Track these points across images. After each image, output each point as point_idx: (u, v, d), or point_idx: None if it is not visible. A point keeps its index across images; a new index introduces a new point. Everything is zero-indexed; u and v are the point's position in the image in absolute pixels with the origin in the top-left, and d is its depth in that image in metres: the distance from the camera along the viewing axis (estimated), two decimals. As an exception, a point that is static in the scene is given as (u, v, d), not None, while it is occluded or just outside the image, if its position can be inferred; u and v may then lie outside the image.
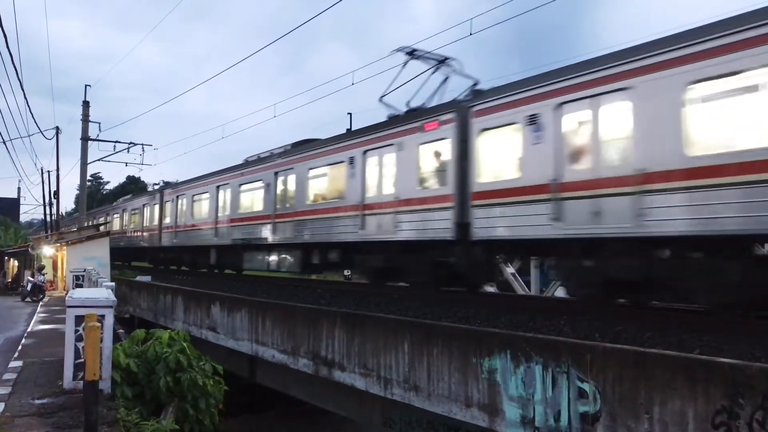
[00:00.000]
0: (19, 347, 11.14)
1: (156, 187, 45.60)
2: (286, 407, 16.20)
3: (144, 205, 31.30)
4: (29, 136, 51.66)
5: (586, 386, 5.23)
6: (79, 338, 7.46)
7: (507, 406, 5.96)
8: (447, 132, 12.06)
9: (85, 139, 30.97)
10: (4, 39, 13.84)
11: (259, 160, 20.27)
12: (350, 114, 45.55)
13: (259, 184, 19.39)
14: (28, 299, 22.14)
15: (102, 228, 30.08)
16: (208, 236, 22.67)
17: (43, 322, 15.26)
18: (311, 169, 16.61)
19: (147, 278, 21.84)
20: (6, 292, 27.21)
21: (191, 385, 8.72)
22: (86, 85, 31.57)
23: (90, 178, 61.48)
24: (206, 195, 23.49)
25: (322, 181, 16.32)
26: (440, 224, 11.98)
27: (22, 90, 31.53)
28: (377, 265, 14.51)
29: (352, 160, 14.67)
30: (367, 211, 14.09)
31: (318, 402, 10.29)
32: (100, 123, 32.56)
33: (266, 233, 18.54)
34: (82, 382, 6.75)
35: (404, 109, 14.36)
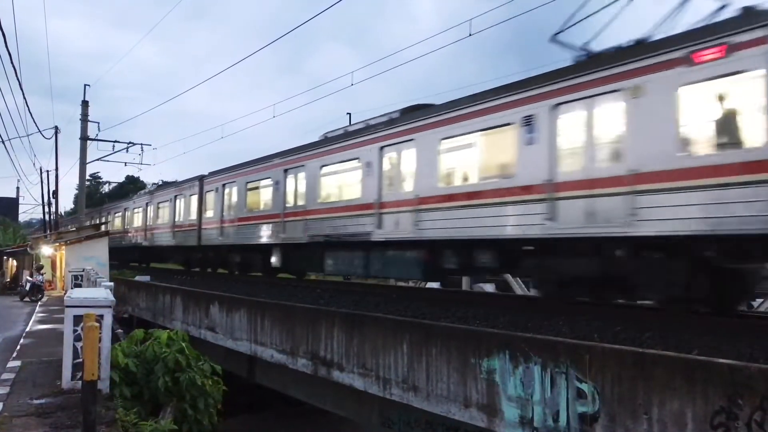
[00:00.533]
0: (18, 347, 11.12)
1: (155, 186, 45.44)
2: (285, 407, 16.22)
3: (176, 197, 26.56)
4: (28, 135, 51.49)
5: (584, 386, 5.23)
6: (77, 338, 7.45)
7: (506, 407, 5.96)
8: (752, 60, 7.72)
9: (84, 138, 30.99)
10: (2, 38, 13.82)
11: (347, 135, 15.83)
12: (349, 114, 45.34)
13: (354, 164, 15.08)
14: (27, 299, 22.10)
15: (102, 227, 30.05)
16: (272, 232, 18.63)
17: (41, 321, 15.22)
18: (444, 139, 12.33)
19: (146, 278, 21.89)
20: (5, 292, 27.15)
21: (190, 385, 8.73)
22: (85, 85, 31.66)
23: (89, 178, 61.32)
24: (268, 181, 19.21)
25: (465, 155, 12.15)
26: (748, 209, 7.61)
27: (21, 89, 31.61)
28: (577, 273, 10.04)
29: (527, 121, 10.56)
30: (560, 194, 9.93)
31: (317, 402, 10.29)
32: (99, 123, 32.53)
33: (367, 227, 14.27)
34: (80, 382, 6.73)
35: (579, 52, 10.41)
